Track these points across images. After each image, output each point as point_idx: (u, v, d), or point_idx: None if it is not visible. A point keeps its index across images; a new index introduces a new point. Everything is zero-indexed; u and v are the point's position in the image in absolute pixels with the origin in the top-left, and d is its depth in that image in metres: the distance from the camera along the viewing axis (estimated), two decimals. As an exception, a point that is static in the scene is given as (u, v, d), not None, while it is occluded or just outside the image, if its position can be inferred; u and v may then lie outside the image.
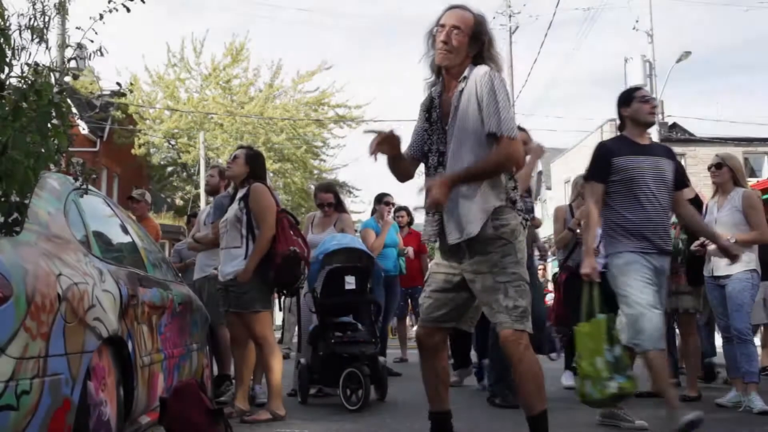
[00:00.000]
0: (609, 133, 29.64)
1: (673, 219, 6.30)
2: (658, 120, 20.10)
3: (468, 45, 3.53)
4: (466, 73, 3.53)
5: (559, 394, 6.47)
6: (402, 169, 3.75)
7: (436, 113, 3.63)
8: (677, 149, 28.20)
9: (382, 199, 8.58)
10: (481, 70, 3.48)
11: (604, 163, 4.82)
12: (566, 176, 34.32)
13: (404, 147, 3.68)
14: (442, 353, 3.76)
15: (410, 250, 8.99)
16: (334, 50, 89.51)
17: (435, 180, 3.46)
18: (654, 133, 19.45)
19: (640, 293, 4.48)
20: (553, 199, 36.43)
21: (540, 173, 39.62)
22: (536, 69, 50.40)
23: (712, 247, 5.84)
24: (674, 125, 31.88)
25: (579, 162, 32.67)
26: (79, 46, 3.57)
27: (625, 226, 4.68)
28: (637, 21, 19.96)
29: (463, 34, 3.51)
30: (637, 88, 5.17)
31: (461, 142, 3.51)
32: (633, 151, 4.79)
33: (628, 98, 4.96)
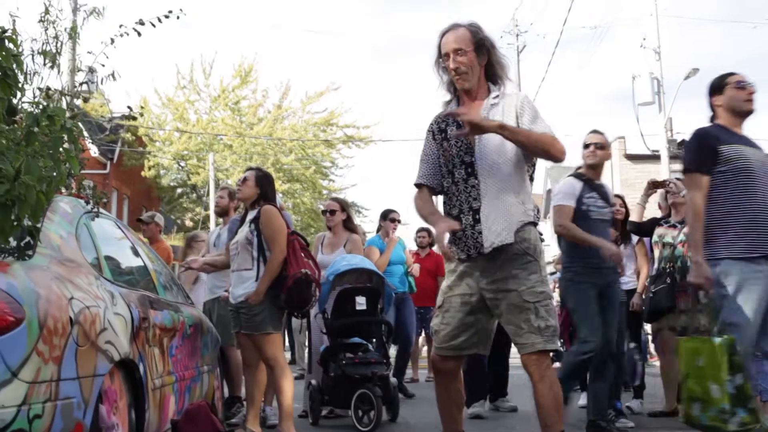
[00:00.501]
0: (618, 150, 29.65)
1: (682, 236, 6.30)
2: (666, 137, 20.07)
3: (477, 59, 3.55)
4: (497, 92, 3.60)
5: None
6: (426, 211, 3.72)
7: (454, 128, 3.57)
8: (687, 166, 28.29)
9: (387, 216, 8.47)
10: (519, 94, 3.61)
11: (709, 151, 4.24)
12: (575, 194, 34.33)
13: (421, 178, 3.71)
14: (457, 376, 3.72)
15: (416, 267, 8.85)
16: (341, 71, 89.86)
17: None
18: (663, 150, 19.41)
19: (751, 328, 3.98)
20: (562, 217, 36.36)
21: (549, 191, 39.59)
22: (544, 87, 50.41)
23: None
24: (683, 142, 31.81)
25: (588, 180, 32.47)
26: (91, 70, 3.59)
27: (732, 225, 4.11)
28: (644, 39, 19.91)
29: (467, 52, 3.53)
30: (730, 74, 4.54)
31: (490, 147, 3.49)
32: (738, 140, 4.28)
33: (720, 85, 4.45)
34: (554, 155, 3.44)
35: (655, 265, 6.53)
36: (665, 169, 18.46)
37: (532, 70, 73.57)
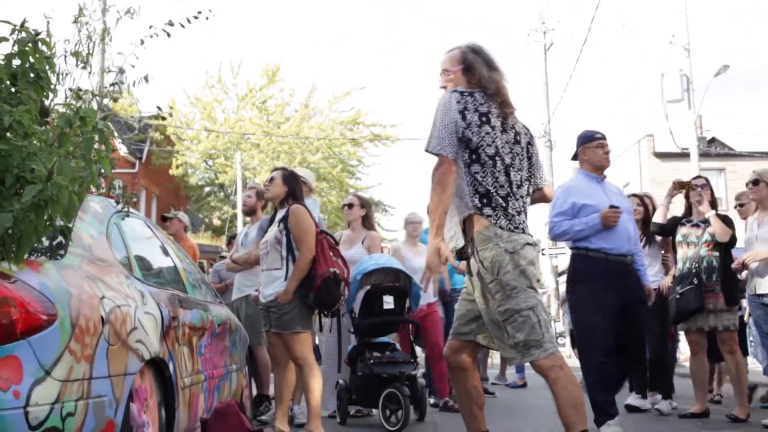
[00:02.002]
0: (646, 148, 29.40)
1: (706, 236, 6.24)
2: (696, 135, 19.85)
3: (465, 81, 3.71)
4: None
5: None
6: None
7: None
8: (716, 164, 28.00)
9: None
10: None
11: None
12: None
13: None
14: (473, 373, 3.75)
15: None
16: (366, 71, 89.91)
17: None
18: (693, 148, 19.21)
19: None
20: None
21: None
22: (572, 84, 50.06)
23: (754, 264, 5.76)
24: (713, 140, 31.51)
25: (616, 178, 32.33)
26: (121, 71, 3.62)
27: None
28: (673, 36, 19.69)
29: (453, 72, 3.74)
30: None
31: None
32: None
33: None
34: (434, 185, 3.47)
35: (678, 265, 6.48)
36: (695, 167, 18.24)
37: (559, 67, 73.12)
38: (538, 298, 3.51)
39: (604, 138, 5.37)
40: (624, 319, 4.98)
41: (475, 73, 3.68)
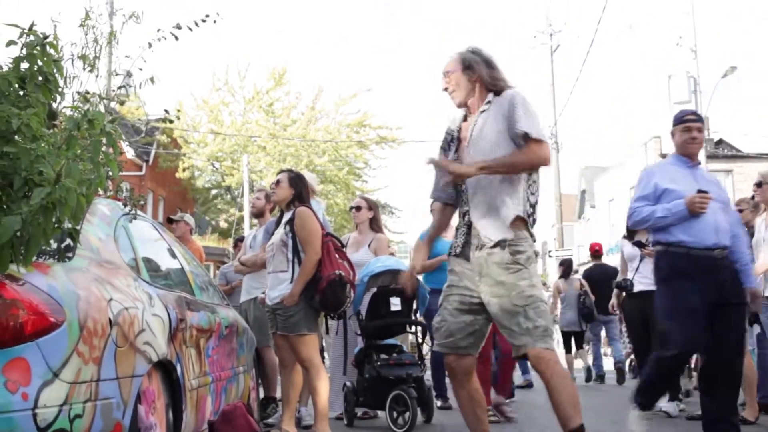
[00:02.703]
0: (654, 150, 29.33)
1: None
2: (703, 136, 19.83)
3: (466, 79, 3.78)
4: (489, 98, 3.75)
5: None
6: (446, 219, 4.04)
7: (454, 142, 3.84)
8: (724, 165, 27.92)
9: None
10: (508, 93, 3.69)
11: None
12: (610, 195, 33.99)
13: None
14: (473, 376, 3.75)
15: None
16: (372, 74, 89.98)
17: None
18: (700, 150, 19.19)
19: None
20: (596, 218, 36.07)
21: (583, 192, 39.31)
22: (578, 86, 50.07)
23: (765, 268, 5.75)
24: (720, 141, 31.42)
25: (623, 180, 32.26)
26: (128, 74, 3.63)
27: None
28: (680, 37, 19.66)
29: (454, 74, 3.79)
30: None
31: (479, 155, 3.65)
32: None
33: None
34: (537, 166, 3.63)
35: None
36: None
37: (566, 69, 73.03)
38: None
39: (693, 120, 4.85)
40: (714, 324, 4.43)
41: (475, 72, 3.76)
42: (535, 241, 3.68)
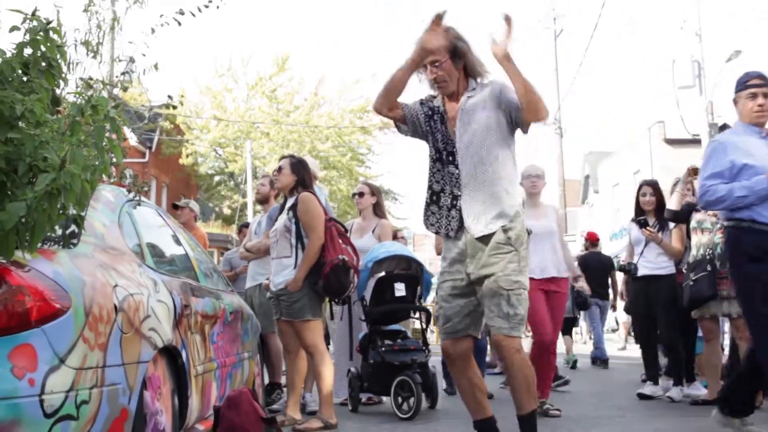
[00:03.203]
0: (658, 135, 29.24)
1: (720, 223, 6.20)
2: (708, 121, 19.73)
3: (453, 65, 3.74)
4: (474, 84, 3.79)
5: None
6: (397, 89, 3.79)
7: (439, 118, 3.81)
8: (728, 151, 27.82)
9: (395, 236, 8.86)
10: (495, 82, 3.75)
11: None
12: (614, 180, 33.92)
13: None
14: (471, 360, 3.80)
15: None
16: (375, 60, 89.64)
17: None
18: (704, 135, 19.10)
19: None
20: (600, 203, 36.03)
21: (587, 177, 39.23)
22: (582, 72, 49.89)
23: None
24: (725, 126, 31.27)
25: (626, 165, 32.12)
26: (131, 60, 3.62)
27: None
28: (684, 21, 19.52)
29: (443, 62, 3.73)
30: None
31: (471, 137, 3.69)
32: None
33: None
34: (542, 113, 3.59)
35: (693, 252, 6.43)
36: (706, 154, 18.10)
37: (569, 54, 72.78)
38: None
39: (759, 85, 4.37)
40: None
41: (462, 60, 3.75)
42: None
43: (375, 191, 7.13)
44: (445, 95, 3.82)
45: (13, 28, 2.70)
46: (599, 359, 11.67)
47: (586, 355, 12.63)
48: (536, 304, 5.48)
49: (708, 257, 6.19)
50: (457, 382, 3.85)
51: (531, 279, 4.72)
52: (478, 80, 3.80)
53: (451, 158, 3.74)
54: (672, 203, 6.62)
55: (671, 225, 6.87)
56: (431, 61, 3.73)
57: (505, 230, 3.60)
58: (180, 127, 30.17)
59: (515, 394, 3.63)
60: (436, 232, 3.82)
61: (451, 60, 3.73)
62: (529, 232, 3.76)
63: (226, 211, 32.86)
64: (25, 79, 2.71)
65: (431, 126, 3.82)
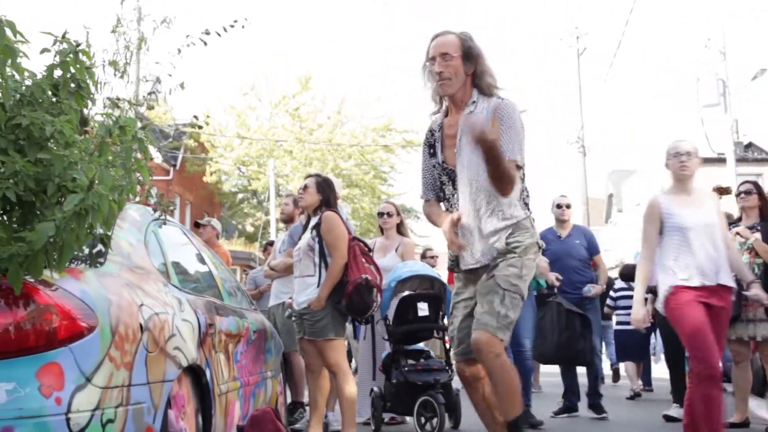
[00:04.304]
0: (682, 153, 28.99)
1: (749, 242, 6.13)
2: (733, 140, 19.58)
3: (463, 66, 3.60)
4: (474, 98, 3.63)
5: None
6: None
7: (437, 139, 3.73)
8: (754, 169, 27.61)
9: (424, 255, 9.21)
10: (493, 101, 3.59)
11: None
12: (638, 199, 33.68)
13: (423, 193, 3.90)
14: (484, 379, 3.70)
15: None
16: (396, 79, 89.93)
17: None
18: (729, 153, 18.95)
19: None
20: (624, 222, 35.78)
21: (611, 196, 39.00)
22: (606, 89, 49.69)
23: None
24: (750, 145, 31.07)
25: (651, 184, 31.90)
26: (158, 80, 3.66)
27: None
28: (708, 39, 19.44)
29: (454, 58, 3.58)
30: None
31: (470, 156, 3.56)
32: None
33: None
34: (507, 189, 3.48)
35: None
36: (732, 172, 17.99)
37: (592, 72, 72.57)
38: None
39: None
40: None
41: (473, 65, 3.61)
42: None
43: (399, 210, 7.15)
44: (442, 95, 3.69)
45: (44, 50, 2.74)
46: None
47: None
48: (697, 322, 4.39)
49: (734, 278, 6.11)
50: (473, 401, 3.76)
51: (685, 288, 4.46)
52: (482, 95, 3.65)
53: (453, 183, 3.68)
54: None
55: None
56: (442, 53, 3.58)
57: (509, 243, 3.52)
58: (204, 145, 30.40)
59: (498, 399, 3.52)
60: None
61: (462, 60, 3.59)
62: (539, 246, 3.65)
63: (249, 229, 33.01)
64: (54, 100, 2.74)
65: (436, 169, 3.76)
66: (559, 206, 7.38)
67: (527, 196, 3.70)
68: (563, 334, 6.81)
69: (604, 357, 14.25)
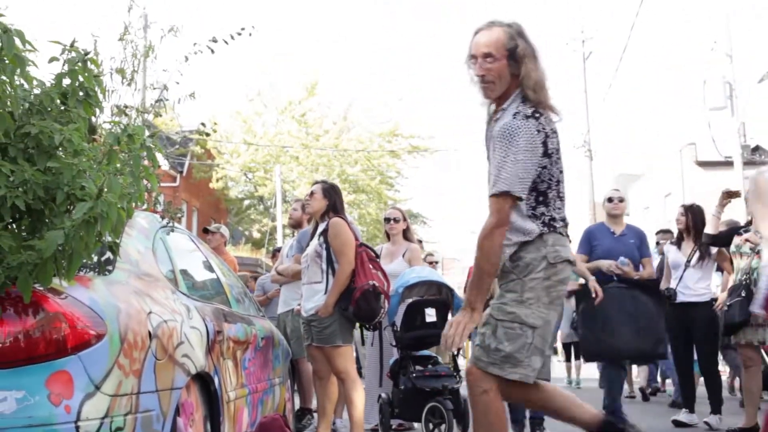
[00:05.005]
0: (689, 157, 29.00)
1: (759, 247, 6.11)
2: (740, 143, 19.54)
3: (509, 72, 3.17)
4: (505, 105, 3.21)
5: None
6: None
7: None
8: (761, 173, 27.56)
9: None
10: (509, 114, 3.14)
11: None
12: (645, 202, 33.64)
13: None
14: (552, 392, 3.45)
15: None
16: (403, 83, 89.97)
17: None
18: (736, 156, 18.90)
19: None
20: (631, 225, 35.67)
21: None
22: (611, 93, 49.67)
23: None
24: (757, 147, 31.00)
25: (657, 187, 31.78)
26: (165, 87, 3.67)
27: None
28: (715, 42, 19.40)
29: (497, 59, 3.14)
30: None
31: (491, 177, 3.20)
32: None
33: None
34: (486, 257, 3.11)
35: (732, 276, 6.37)
36: (739, 176, 17.95)
37: (599, 76, 72.55)
38: (548, 319, 3.14)
39: None
40: None
41: (520, 67, 3.15)
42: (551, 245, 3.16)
43: (405, 216, 7.15)
44: (484, 98, 3.27)
45: (53, 59, 2.75)
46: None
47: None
48: None
49: (744, 282, 6.10)
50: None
51: None
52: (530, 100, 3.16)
53: None
54: (709, 227, 6.55)
55: (713, 251, 6.80)
56: (484, 54, 3.14)
57: (512, 259, 3.16)
58: (211, 151, 30.47)
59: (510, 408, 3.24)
60: None
61: (507, 62, 3.14)
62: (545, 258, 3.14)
63: (256, 235, 33.03)
64: (63, 108, 2.75)
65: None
66: (610, 200, 6.80)
67: (557, 208, 3.22)
68: (641, 321, 6.11)
69: None
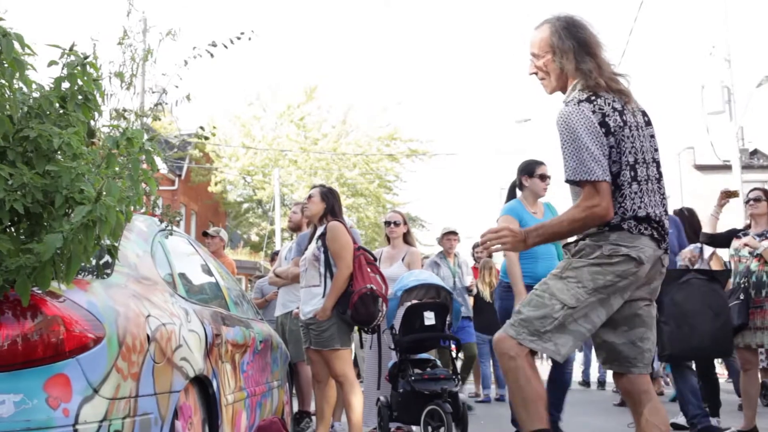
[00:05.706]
0: (687, 161, 29.02)
1: (758, 251, 6.12)
2: (738, 147, 19.55)
3: (554, 62, 3.21)
4: (565, 97, 3.23)
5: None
6: None
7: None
8: (759, 176, 27.58)
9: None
10: (558, 117, 3.12)
11: None
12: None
13: None
14: (645, 394, 3.32)
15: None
16: (402, 87, 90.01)
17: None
18: (734, 160, 18.93)
19: None
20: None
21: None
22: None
23: None
24: (755, 152, 31.05)
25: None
26: (164, 91, 3.67)
27: None
28: (713, 47, 19.41)
29: (541, 57, 3.23)
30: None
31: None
32: None
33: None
34: (588, 225, 3.07)
35: (731, 279, 6.35)
36: (737, 180, 17.94)
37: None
38: (587, 304, 3.03)
39: None
40: None
41: (563, 60, 3.19)
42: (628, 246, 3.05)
43: (405, 219, 7.16)
44: (548, 93, 3.31)
45: (51, 63, 2.75)
46: (584, 380, 12.58)
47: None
48: None
49: (743, 285, 6.10)
50: (634, 417, 3.32)
51: None
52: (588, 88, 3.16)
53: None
54: (707, 227, 6.55)
55: (707, 251, 6.79)
56: (532, 53, 3.25)
57: (566, 244, 3.24)
58: (209, 155, 30.48)
59: (514, 409, 3.20)
60: None
61: (552, 57, 3.20)
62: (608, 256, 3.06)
63: (254, 238, 33.05)
64: (62, 112, 2.75)
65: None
66: None
67: (634, 195, 3.10)
68: (719, 318, 5.71)
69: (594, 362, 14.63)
